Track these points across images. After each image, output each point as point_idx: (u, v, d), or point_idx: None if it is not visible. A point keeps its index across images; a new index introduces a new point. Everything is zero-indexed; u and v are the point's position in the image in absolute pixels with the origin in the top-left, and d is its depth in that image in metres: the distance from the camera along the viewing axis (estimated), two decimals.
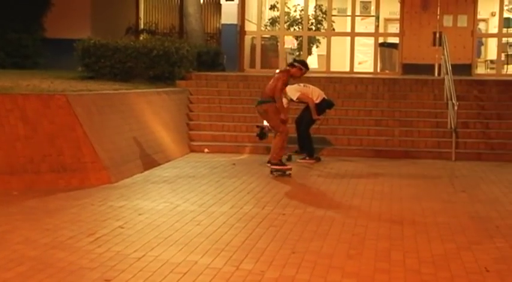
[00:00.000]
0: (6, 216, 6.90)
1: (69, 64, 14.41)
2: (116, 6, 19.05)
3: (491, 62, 19.88)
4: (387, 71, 18.17)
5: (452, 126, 11.80)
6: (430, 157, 11.75)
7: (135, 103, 11.07)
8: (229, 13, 17.20)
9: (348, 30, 18.34)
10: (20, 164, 8.50)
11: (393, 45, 17.99)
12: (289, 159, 10.87)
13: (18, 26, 16.20)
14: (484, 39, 21.03)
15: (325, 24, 19.47)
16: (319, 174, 9.97)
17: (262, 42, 18.51)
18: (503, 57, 18.46)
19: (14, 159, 8.49)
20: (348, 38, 18.00)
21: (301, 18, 19.33)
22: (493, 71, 18.44)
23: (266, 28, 19.63)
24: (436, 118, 12.67)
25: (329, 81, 13.66)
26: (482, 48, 21.15)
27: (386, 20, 20.63)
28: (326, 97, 11.34)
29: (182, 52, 13.76)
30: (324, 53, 18.38)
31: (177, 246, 5.89)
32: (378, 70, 17.82)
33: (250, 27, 18.21)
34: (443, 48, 14.03)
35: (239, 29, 17.33)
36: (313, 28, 20.00)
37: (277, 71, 10.21)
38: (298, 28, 19.88)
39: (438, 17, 16.91)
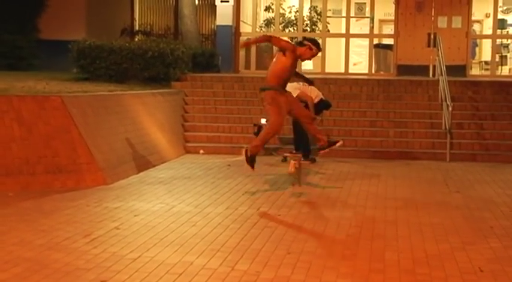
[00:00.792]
0: (1, 218, 6.90)
1: (64, 65, 14.40)
2: (111, 7, 19.02)
3: (486, 63, 19.90)
4: (382, 72, 18.17)
5: (447, 127, 11.83)
6: (425, 158, 11.78)
7: (131, 104, 11.08)
8: (224, 14, 17.22)
9: (343, 31, 18.38)
10: (16, 165, 8.50)
11: (388, 47, 17.99)
12: (284, 160, 10.88)
13: (13, 27, 16.15)
14: (478, 41, 21.07)
15: (320, 25, 19.48)
16: (314, 175, 9.98)
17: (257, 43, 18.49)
18: (497, 59, 18.52)
19: (10, 161, 8.49)
20: (343, 39, 17.99)
21: (296, 19, 19.32)
22: (488, 72, 18.45)
23: (261, 29, 19.61)
24: (431, 119, 12.70)
25: (324, 82, 13.65)
26: (477, 49, 21.18)
27: (381, 21, 20.67)
28: (324, 98, 11.35)
29: (177, 53, 13.76)
30: (319, 54, 18.33)
31: (173, 247, 5.91)
32: (373, 71, 17.80)
33: (245, 28, 18.20)
34: (438, 50, 14.03)
35: (234, 30, 17.34)
36: (308, 29, 20.00)
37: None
38: (293, 29, 19.89)
39: (433, 18, 16.91)
